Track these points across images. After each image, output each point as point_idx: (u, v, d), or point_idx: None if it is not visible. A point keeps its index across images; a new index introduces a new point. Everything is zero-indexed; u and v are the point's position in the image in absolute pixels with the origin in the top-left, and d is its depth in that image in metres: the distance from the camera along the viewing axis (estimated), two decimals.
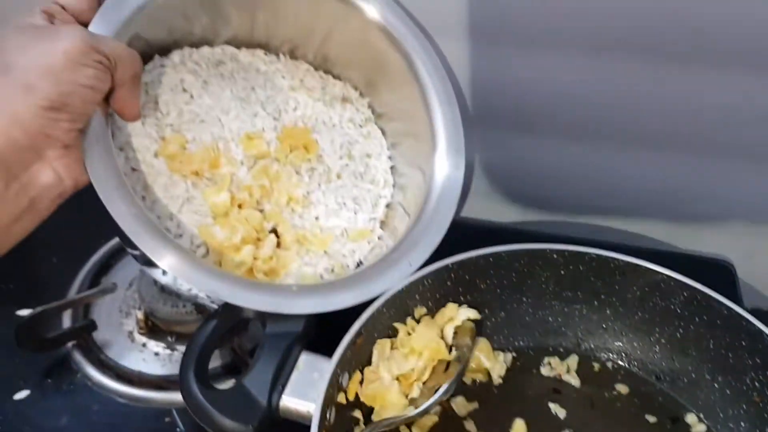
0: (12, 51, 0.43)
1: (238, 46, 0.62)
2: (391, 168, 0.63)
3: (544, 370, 0.59)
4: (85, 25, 0.48)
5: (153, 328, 0.64)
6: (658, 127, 0.68)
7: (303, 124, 0.60)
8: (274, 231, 0.56)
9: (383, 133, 0.64)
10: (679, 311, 0.57)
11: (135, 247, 0.46)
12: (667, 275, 0.56)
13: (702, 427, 0.56)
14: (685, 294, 0.56)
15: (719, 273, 0.72)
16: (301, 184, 0.57)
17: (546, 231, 0.73)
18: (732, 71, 0.62)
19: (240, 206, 0.54)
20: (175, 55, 0.58)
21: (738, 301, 0.58)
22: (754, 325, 0.53)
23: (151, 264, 0.46)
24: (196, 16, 0.58)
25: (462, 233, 0.75)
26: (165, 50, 0.58)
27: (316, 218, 0.57)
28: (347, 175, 0.60)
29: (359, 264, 0.57)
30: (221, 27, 0.60)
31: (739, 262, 0.74)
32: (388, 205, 0.61)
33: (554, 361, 0.60)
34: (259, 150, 0.56)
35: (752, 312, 0.54)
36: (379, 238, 0.59)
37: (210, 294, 0.47)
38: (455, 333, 0.55)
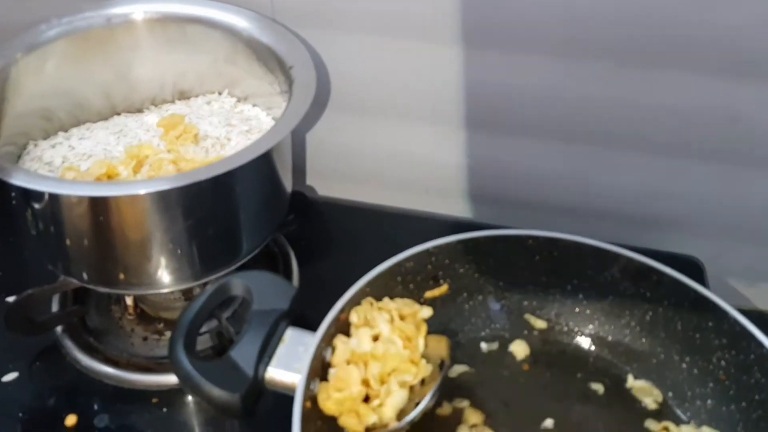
0: None
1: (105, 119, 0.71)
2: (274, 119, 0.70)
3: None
4: None
5: (141, 314, 0.66)
6: (629, 130, 0.70)
7: None
8: None
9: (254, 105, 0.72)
10: (648, 295, 0.59)
11: None
12: (636, 259, 0.59)
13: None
14: (653, 278, 0.58)
15: (688, 268, 0.72)
16: (199, 154, 0.63)
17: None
18: (701, 75, 0.65)
19: None
20: (44, 142, 0.66)
21: None
22: (718, 306, 0.56)
23: None
24: (56, 114, 0.67)
25: (441, 228, 0.78)
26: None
27: None
28: (236, 135, 0.66)
29: None
30: (82, 114, 0.69)
31: (708, 261, 0.76)
32: None
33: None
34: (150, 150, 0.62)
35: None
36: None
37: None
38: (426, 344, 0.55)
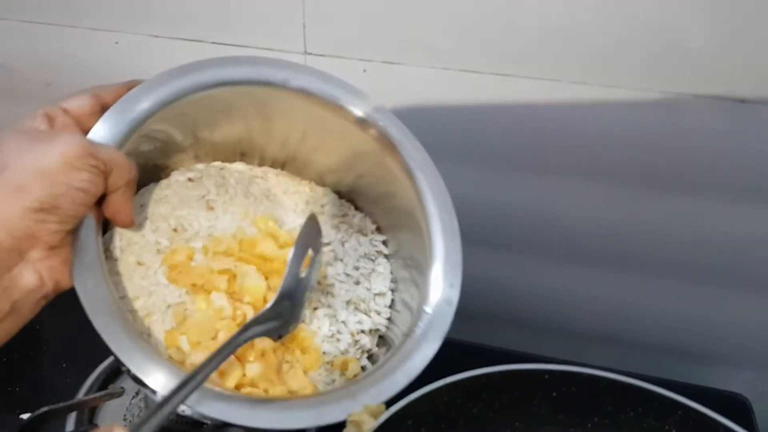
0: (9, 153, 0.43)
1: (272, 166, 0.63)
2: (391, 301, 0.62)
3: None
4: (86, 131, 0.49)
5: None
6: (664, 256, 0.70)
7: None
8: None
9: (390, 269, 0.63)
10: (674, 431, 0.56)
11: (122, 364, 0.45)
12: (660, 394, 0.56)
13: None
14: (679, 413, 0.55)
15: (733, 407, 0.70)
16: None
17: (548, 355, 0.71)
18: (734, 201, 0.65)
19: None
20: (205, 168, 0.60)
21: None
22: None
23: (138, 381, 0.45)
24: (240, 127, 0.59)
25: (463, 355, 0.73)
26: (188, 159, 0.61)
27: (308, 341, 0.56)
28: (351, 308, 0.59)
29: None
30: (262, 146, 0.62)
31: (756, 399, 0.71)
32: (381, 336, 0.60)
33: None
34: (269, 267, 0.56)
35: None
36: (362, 368, 0.58)
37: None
38: None
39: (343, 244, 0.61)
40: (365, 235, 0.63)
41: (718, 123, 0.62)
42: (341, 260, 0.60)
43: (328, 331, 0.57)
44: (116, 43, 0.72)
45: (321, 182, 0.65)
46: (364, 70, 0.68)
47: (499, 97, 0.66)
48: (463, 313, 0.78)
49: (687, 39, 0.60)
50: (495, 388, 0.57)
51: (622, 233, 0.69)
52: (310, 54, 0.69)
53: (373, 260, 0.62)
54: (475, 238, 0.73)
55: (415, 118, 0.68)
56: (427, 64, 0.67)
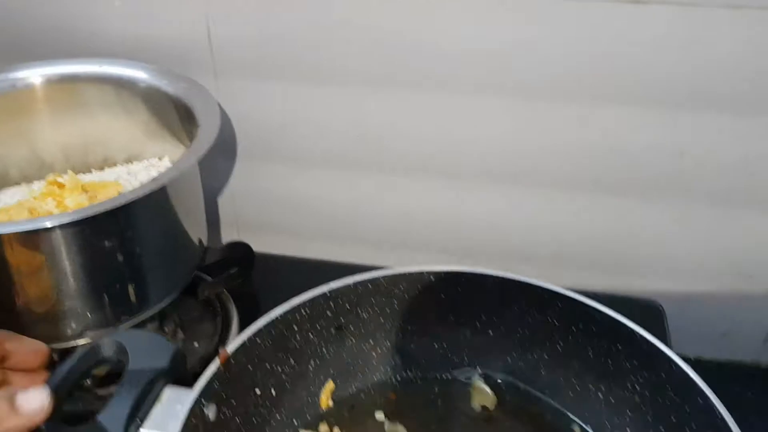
0: None
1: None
2: None
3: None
4: None
5: None
6: (578, 168, 0.70)
7: None
8: None
9: None
10: (556, 323, 0.57)
11: None
12: (539, 287, 0.57)
13: None
14: (559, 305, 0.56)
15: (647, 313, 0.71)
16: None
17: None
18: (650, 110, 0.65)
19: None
20: None
21: (666, 342, 0.56)
22: (625, 326, 0.53)
23: None
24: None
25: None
26: None
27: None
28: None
29: None
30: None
31: (671, 310, 0.72)
32: None
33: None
34: None
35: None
36: None
37: None
38: None
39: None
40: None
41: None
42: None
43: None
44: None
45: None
46: None
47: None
48: (395, 245, 0.78)
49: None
50: (382, 293, 0.58)
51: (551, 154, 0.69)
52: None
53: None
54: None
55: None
56: None
